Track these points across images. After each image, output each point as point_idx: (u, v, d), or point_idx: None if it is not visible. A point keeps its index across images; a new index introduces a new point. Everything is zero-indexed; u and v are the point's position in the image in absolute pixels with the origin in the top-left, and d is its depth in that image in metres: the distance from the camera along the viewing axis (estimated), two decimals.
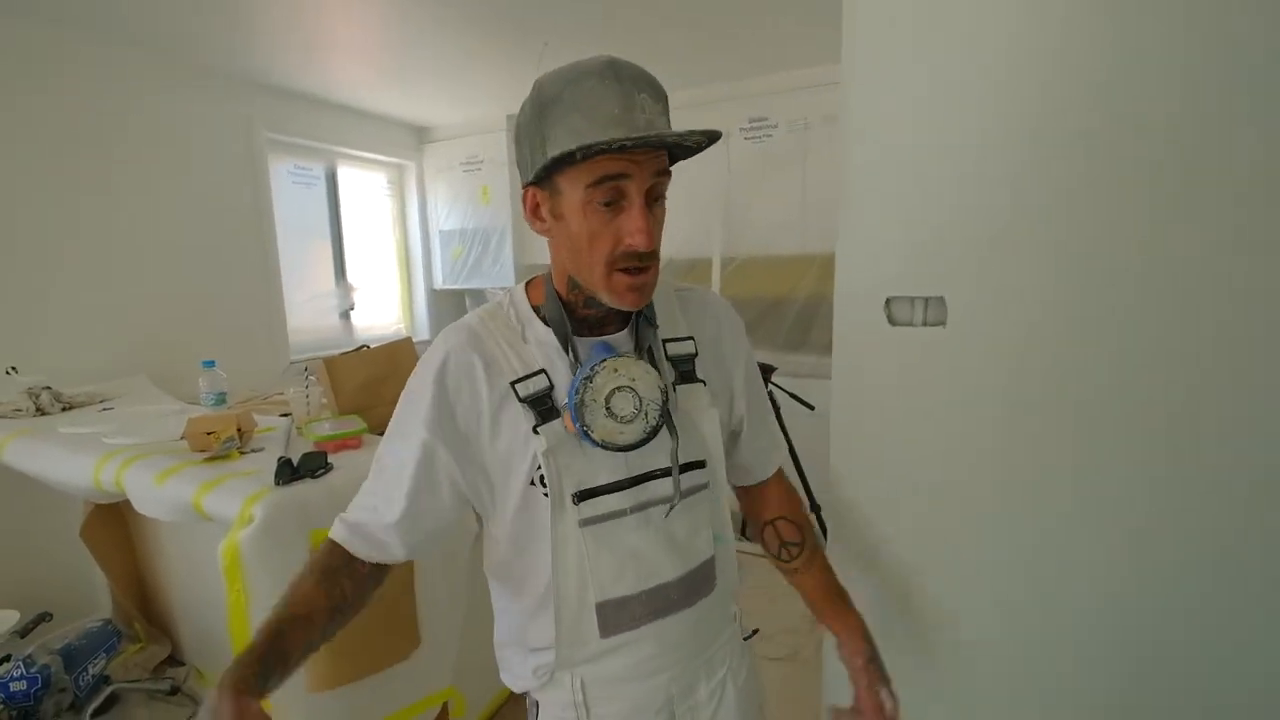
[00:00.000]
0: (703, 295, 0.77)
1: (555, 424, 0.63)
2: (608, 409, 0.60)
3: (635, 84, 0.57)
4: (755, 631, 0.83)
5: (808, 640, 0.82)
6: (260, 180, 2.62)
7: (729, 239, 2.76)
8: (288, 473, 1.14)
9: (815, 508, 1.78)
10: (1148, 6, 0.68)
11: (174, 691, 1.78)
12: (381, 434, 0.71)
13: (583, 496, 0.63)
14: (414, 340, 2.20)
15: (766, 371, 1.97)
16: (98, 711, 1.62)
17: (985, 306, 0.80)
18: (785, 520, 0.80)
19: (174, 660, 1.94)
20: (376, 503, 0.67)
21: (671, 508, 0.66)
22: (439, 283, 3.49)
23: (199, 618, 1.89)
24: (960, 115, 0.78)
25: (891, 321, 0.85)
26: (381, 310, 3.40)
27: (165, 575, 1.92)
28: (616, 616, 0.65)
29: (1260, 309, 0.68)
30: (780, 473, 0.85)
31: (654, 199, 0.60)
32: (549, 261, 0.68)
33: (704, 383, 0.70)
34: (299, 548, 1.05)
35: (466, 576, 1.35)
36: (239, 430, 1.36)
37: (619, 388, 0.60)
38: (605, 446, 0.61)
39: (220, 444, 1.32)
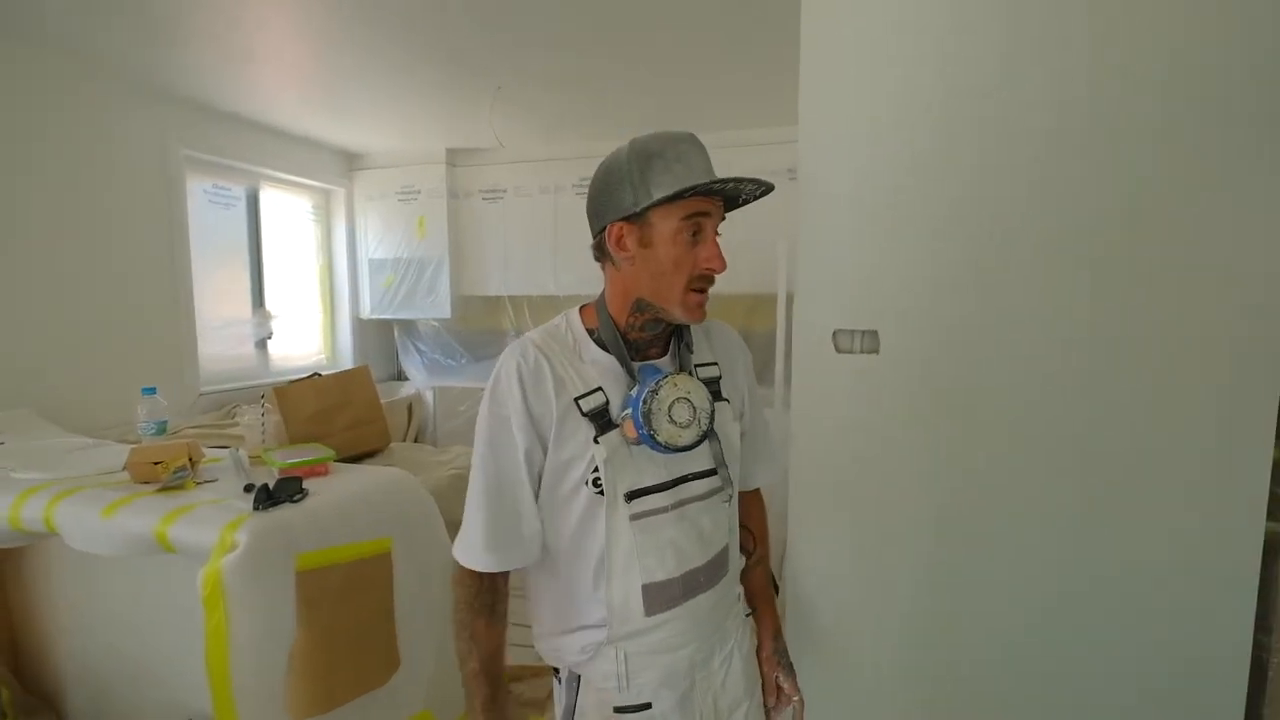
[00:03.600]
0: (721, 327, 0.91)
1: (613, 434, 0.73)
2: (670, 416, 0.71)
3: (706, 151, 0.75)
4: (753, 611, 0.95)
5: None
6: (175, 198, 2.46)
7: None
8: (265, 498, 1.12)
9: None
10: (1078, 74, 0.84)
11: None
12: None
13: (633, 496, 0.73)
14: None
15: None
16: None
17: (909, 337, 0.99)
18: (745, 530, 0.94)
19: None
20: (512, 521, 0.75)
21: (731, 498, 0.80)
22: (366, 312, 3.38)
23: (93, 679, 1.68)
24: (892, 176, 0.97)
25: (836, 349, 1.02)
26: (301, 339, 3.22)
27: (53, 634, 1.70)
28: (659, 597, 0.75)
29: (1177, 341, 0.86)
30: (759, 491, 0.99)
31: (717, 234, 0.76)
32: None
33: (728, 400, 0.83)
34: (285, 570, 1.04)
35: (441, 596, 1.35)
36: (190, 460, 1.30)
37: (679, 399, 0.72)
38: (668, 447, 0.71)
39: (170, 474, 1.25)
